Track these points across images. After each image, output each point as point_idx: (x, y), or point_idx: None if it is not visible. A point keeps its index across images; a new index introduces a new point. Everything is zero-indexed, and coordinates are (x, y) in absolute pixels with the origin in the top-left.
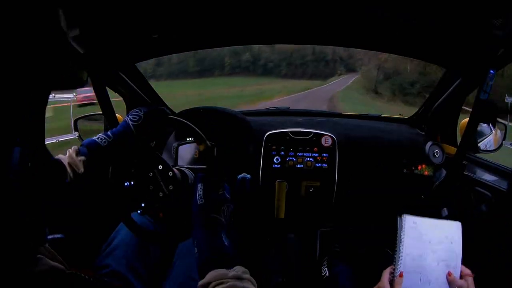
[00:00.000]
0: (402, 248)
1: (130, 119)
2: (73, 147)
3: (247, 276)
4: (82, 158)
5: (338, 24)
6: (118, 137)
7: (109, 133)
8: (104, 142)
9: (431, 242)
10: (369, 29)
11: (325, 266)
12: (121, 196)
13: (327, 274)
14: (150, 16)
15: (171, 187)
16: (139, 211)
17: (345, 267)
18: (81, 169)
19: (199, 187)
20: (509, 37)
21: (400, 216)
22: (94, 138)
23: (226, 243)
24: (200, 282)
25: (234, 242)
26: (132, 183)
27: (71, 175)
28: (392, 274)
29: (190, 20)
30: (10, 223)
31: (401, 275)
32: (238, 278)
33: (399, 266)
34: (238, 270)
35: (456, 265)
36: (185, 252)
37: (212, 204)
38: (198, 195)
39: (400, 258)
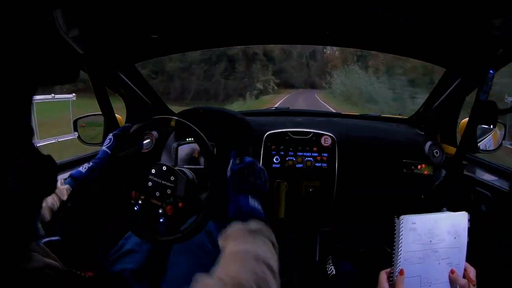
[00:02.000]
0: (400, 252)
1: (104, 145)
2: (60, 180)
3: (261, 228)
4: (66, 186)
5: (338, 24)
6: (98, 161)
7: (91, 161)
8: (85, 168)
9: (432, 242)
10: (369, 29)
11: (331, 264)
12: (122, 203)
13: (334, 272)
14: (149, 16)
15: (172, 178)
16: (161, 219)
17: (350, 266)
18: (65, 197)
19: (231, 162)
20: (509, 37)
21: (398, 217)
22: (80, 168)
23: (250, 204)
24: (221, 236)
25: None
26: (140, 202)
27: (57, 202)
28: (391, 276)
29: (189, 20)
30: (4, 220)
31: (401, 273)
32: (250, 230)
33: (397, 268)
34: (252, 224)
35: (459, 262)
36: (178, 254)
37: (237, 174)
38: (227, 169)
39: (398, 261)
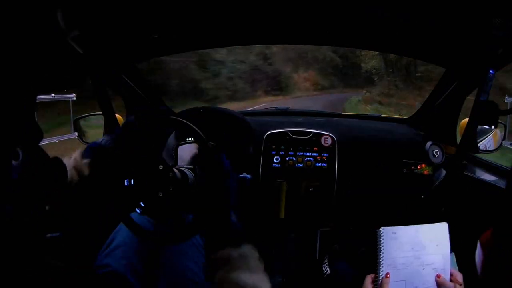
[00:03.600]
0: (383, 259)
1: (131, 119)
2: (77, 151)
3: (250, 251)
4: (87, 160)
5: (338, 24)
6: (122, 136)
7: (113, 134)
8: (108, 143)
9: (414, 249)
10: (369, 29)
11: (326, 264)
12: (120, 195)
13: (329, 271)
14: (150, 16)
15: (170, 188)
16: (138, 210)
17: (346, 265)
18: (86, 172)
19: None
20: (509, 37)
21: (379, 229)
22: (98, 140)
23: (232, 220)
24: (208, 261)
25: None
26: (132, 182)
27: (77, 178)
28: (376, 281)
29: (190, 20)
30: (9, 222)
31: (387, 276)
32: (241, 256)
33: (381, 274)
34: (243, 249)
35: (444, 268)
36: (173, 253)
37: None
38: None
39: (381, 267)
